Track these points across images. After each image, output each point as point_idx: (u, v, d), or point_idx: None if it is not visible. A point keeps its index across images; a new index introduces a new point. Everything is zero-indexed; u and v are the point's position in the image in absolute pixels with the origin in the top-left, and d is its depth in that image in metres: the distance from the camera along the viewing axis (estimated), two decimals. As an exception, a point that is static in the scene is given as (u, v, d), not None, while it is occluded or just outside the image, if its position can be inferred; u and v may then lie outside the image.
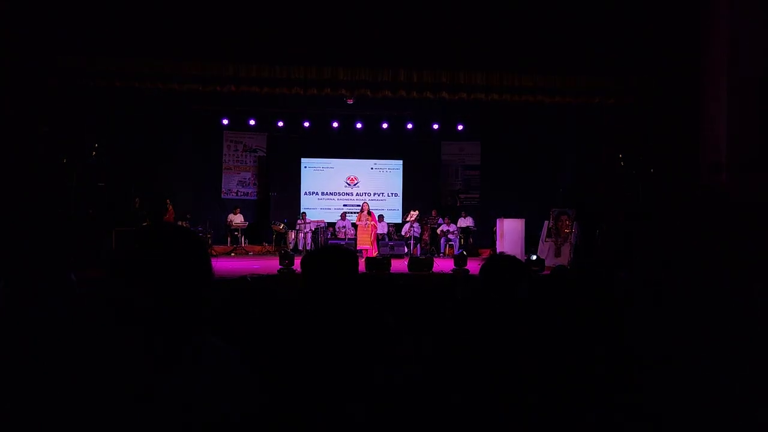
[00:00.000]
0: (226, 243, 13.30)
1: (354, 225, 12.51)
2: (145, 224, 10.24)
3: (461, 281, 6.26)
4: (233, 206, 13.78)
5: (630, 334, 1.82)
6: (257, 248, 13.31)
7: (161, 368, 1.06)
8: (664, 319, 1.86)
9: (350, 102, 11.62)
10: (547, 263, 9.61)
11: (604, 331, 1.85)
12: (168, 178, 13.13)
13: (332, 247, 1.89)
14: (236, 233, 13.14)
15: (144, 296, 1.09)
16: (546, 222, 11.14)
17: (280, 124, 14.01)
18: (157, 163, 12.72)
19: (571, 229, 10.69)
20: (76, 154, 9.08)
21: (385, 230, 13.54)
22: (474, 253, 12.41)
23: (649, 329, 1.80)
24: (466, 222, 13.78)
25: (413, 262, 9.55)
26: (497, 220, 11.73)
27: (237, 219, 13.40)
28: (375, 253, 11.21)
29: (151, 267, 1.10)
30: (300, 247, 12.67)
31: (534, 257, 9.11)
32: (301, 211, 13.87)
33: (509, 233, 10.99)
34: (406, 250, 12.32)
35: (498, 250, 11.17)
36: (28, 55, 8.64)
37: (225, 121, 13.95)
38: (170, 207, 12.36)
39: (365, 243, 11.37)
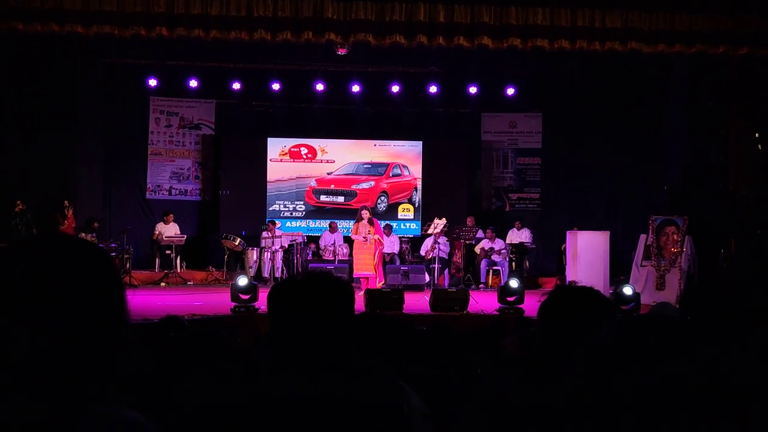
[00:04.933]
0: (152, 267, 13.28)
1: (348, 240, 12.47)
2: (29, 236, 10.23)
3: (512, 327, 6.23)
4: (164, 211, 13.82)
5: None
6: (200, 275, 13.31)
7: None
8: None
9: (343, 53, 11.64)
10: (644, 299, 9.54)
11: (738, 408, 1.82)
12: (66, 168, 13.20)
13: (316, 274, 1.88)
14: (168, 252, 13.18)
15: (20, 346, 1.08)
16: (642, 237, 11.08)
17: (237, 86, 14.07)
18: (50, 145, 12.79)
19: (682, 248, 10.63)
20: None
21: (396, 248, 13.49)
22: (532, 284, 12.31)
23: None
24: (519, 236, 13.73)
25: (439, 296, 9.52)
26: (568, 233, 11.69)
27: (170, 230, 13.43)
28: (380, 283, 11.20)
29: (33, 300, 1.10)
30: (265, 274, 12.65)
31: (627, 290, 9.04)
32: (268, 219, 13.90)
33: (586, 253, 10.94)
34: (427, 278, 12.27)
35: (568, 279, 11.09)
36: None
37: (152, 82, 14.03)
38: (69, 211, 12.42)
39: (365, 267, 11.34)
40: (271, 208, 14.56)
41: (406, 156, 14.93)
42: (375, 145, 14.89)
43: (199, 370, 1.77)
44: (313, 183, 14.76)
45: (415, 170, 14.86)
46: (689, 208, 11.11)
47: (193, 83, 14.03)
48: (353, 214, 12.94)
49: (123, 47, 11.69)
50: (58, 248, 1.18)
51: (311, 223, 14.56)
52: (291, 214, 14.65)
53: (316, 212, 14.69)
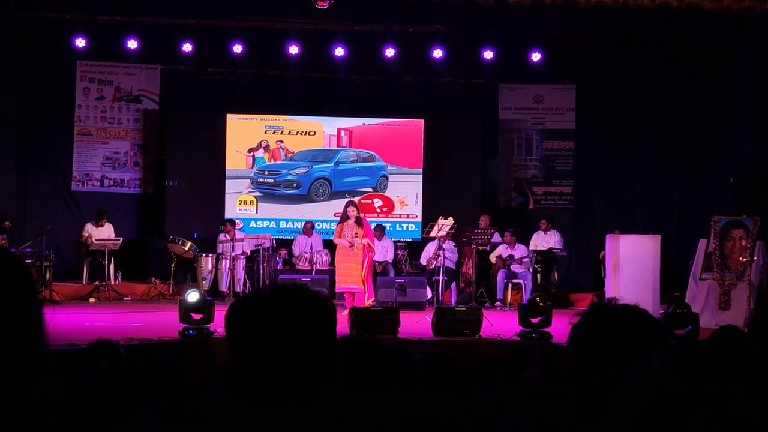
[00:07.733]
0: (79, 278, 13.29)
1: (330, 244, 12.43)
2: None
3: (537, 357, 6.23)
4: (93, 207, 13.77)
5: None
6: (140, 288, 13.34)
7: None
8: None
9: (323, 6, 11.62)
10: (705, 322, 9.58)
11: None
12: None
13: (287, 288, 1.88)
14: (100, 259, 13.13)
15: None
16: (702, 242, 11.12)
17: (188, 48, 14.00)
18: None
19: (752, 257, 10.67)
20: None
21: (390, 255, 13.48)
22: (563, 302, 12.36)
23: None
24: (546, 240, 13.73)
25: (443, 317, 9.53)
26: (607, 237, 11.72)
27: (102, 232, 13.39)
28: (370, 300, 11.20)
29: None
30: (223, 287, 12.66)
31: (683, 309, 9.08)
32: (226, 217, 13.86)
33: (631, 263, 10.97)
34: (429, 294, 12.28)
35: (608, 296, 11.13)
36: None
37: (80, 42, 13.95)
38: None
39: (351, 279, 11.35)
40: (230, 205, 14.52)
41: (402, 137, 14.91)
42: (366, 125, 14.87)
43: (138, 414, 1.76)
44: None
45: (414, 157, 14.84)
46: (762, 206, 11.13)
47: (133, 44, 13.90)
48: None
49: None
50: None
51: (282, 223, 14.52)
52: (256, 211, 14.63)
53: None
